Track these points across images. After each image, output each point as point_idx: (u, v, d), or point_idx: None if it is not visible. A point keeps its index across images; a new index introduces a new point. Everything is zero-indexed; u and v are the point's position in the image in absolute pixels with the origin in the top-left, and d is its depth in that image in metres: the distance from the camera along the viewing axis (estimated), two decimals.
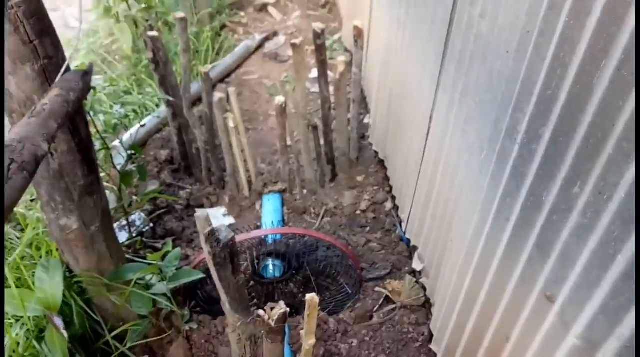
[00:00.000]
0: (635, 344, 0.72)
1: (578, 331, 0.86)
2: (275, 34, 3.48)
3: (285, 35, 3.47)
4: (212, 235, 0.88)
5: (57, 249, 1.51)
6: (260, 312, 1.00)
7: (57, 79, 1.14)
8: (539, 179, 0.94)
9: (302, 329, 1.01)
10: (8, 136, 0.97)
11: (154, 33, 1.80)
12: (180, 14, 1.75)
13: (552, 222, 0.92)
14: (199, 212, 0.87)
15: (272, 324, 0.99)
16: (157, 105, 2.64)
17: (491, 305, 1.17)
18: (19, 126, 1.01)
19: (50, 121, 1.05)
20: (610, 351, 0.78)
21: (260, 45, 3.32)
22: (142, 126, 2.23)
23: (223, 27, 3.48)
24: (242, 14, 3.72)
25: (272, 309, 1.01)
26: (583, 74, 0.79)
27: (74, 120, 1.24)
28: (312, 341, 1.04)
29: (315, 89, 2.78)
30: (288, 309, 1.00)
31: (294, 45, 1.76)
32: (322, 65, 1.91)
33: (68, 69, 1.18)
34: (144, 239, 2.03)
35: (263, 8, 3.81)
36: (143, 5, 2.77)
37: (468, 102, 1.29)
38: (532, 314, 1.02)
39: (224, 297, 1.00)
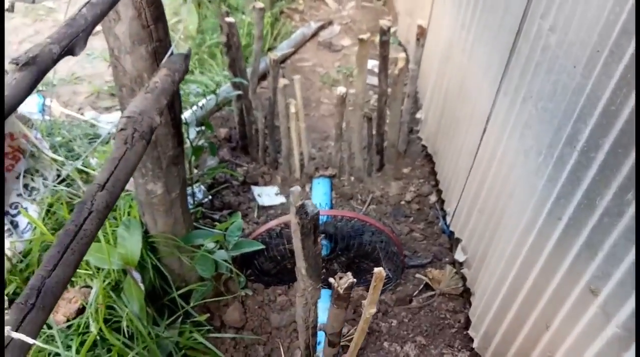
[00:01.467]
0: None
1: (620, 321, 0.96)
2: (330, 23, 3.59)
3: (340, 25, 3.57)
4: (302, 208, 1.02)
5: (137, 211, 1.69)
6: (331, 280, 1.14)
7: (164, 60, 1.30)
8: (595, 185, 1.04)
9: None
10: (129, 108, 1.13)
11: (231, 19, 1.94)
12: (260, 4, 1.88)
13: (603, 223, 1.02)
14: (293, 188, 1.02)
15: (341, 291, 1.13)
16: (218, 85, 2.80)
17: (534, 296, 1.28)
18: (138, 100, 1.17)
19: (161, 97, 1.21)
20: None
21: (315, 34, 3.44)
22: (201, 108, 2.39)
23: (281, 13, 3.61)
24: (300, 1, 3.84)
25: (340, 278, 1.15)
26: None
27: (172, 98, 1.40)
28: (373, 310, 1.17)
29: (368, 80, 2.88)
30: (355, 280, 1.14)
31: (361, 40, 1.87)
32: (384, 61, 2.02)
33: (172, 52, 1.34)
34: (203, 210, 2.20)
35: None
36: None
37: (529, 108, 1.38)
38: (575, 305, 1.12)
39: (301, 264, 1.15)
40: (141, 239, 1.64)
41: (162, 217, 1.64)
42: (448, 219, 2.11)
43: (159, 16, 1.25)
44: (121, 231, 1.65)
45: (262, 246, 1.79)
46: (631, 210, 0.94)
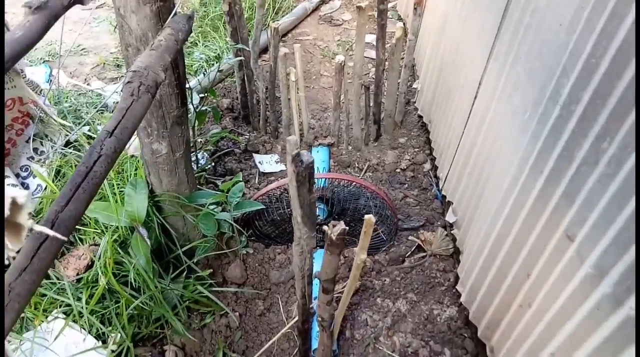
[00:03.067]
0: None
1: (591, 261, 1.04)
2: None
3: (341, 0, 3.59)
4: (298, 157, 1.09)
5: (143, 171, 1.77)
6: (325, 227, 1.22)
7: (167, 20, 1.36)
8: (574, 136, 1.10)
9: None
10: (135, 64, 1.19)
11: None
12: None
13: (580, 173, 1.09)
14: (290, 138, 1.08)
15: (334, 237, 1.21)
16: (219, 57, 2.86)
17: (516, 248, 1.36)
18: (143, 56, 1.23)
19: (165, 55, 1.27)
20: (616, 274, 0.96)
21: (316, 8, 3.46)
22: (219, 70, 2.45)
23: None
24: None
25: (334, 226, 1.23)
26: (625, 45, 0.94)
27: (175, 58, 1.46)
28: (364, 256, 1.26)
29: (367, 53, 2.93)
30: (347, 227, 1.22)
31: (359, 8, 1.91)
32: (382, 29, 2.07)
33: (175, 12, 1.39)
34: (207, 176, 2.28)
35: None
36: None
37: (517, 70, 1.43)
38: (553, 252, 1.20)
39: (297, 212, 1.22)
40: (147, 198, 1.72)
41: (167, 176, 1.71)
42: (440, 184, 2.18)
43: None
44: (128, 190, 1.72)
45: (262, 206, 1.86)
46: (606, 158, 1.01)
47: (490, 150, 1.60)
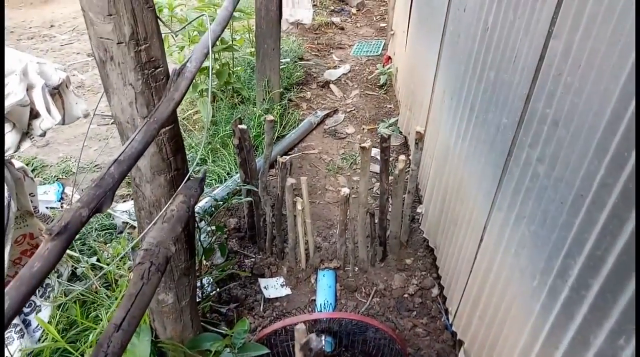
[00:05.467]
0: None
1: None
2: (335, 111, 3.79)
3: (344, 113, 3.77)
4: (307, 345, 1.07)
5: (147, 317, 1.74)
6: None
7: (180, 186, 1.41)
8: (587, 322, 1.08)
9: None
10: (147, 240, 1.22)
11: (243, 126, 2.10)
12: (270, 117, 2.04)
13: None
14: (298, 327, 1.08)
15: None
16: (229, 174, 2.94)
17: None
18: (155, 231, 1.26)
19: (177, 225, 1.30)
20: None
21: (321, 121, 3.63)
22: (216, 199, 2.51)
23: (289, 101, 3.83)
24: (307, 90, 4.09)
25: None
26: (630, 246, 0.95)
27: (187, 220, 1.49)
28: None
29: (372, 168, 3.01)
30: None
31: (363, 148, 2.00)
32: (385, 164, 2.14)
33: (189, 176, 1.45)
34: (211, 304, 2.24)
35: (325, 85, 4.17)
36: (222, 81, 3.14)
37: (522, 229, 1.45)
38: None
39: None
40: (150, 345, 1.67)
41: (172, 323, 1.68)
42: (450, 317, 2.13)
43: (178, 149, 1.38)
44: (132, 338, 1.69)
45: (266, 351, 1.81)
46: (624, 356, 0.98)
47: (499, 301, 1.58)
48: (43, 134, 1.57)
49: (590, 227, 1.07)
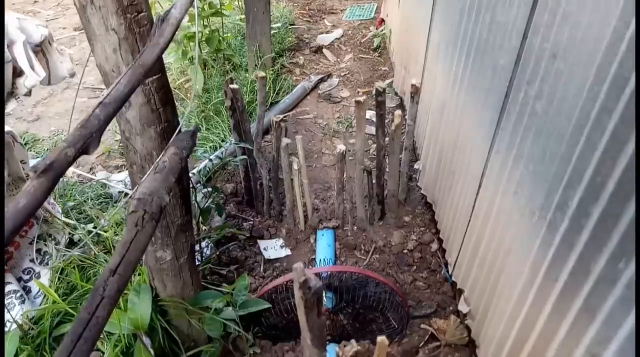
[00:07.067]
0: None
1: None
2: (329, 75, 3.73)
3: (338, 77, 3.71)
4: (306, 283, 1.06)
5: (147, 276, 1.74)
6: (336, 348, 1.17)
7: (172, 139, 1.38)
8: (587, 250, 1.08)
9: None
10: (139, 190, 1.20)
11: (235, 86, 2.05)
12: (262, 73, 1.99)
13: (599, 289, 1.05)
14: (296, 265, 1.06)
15: None
16: (223, 141, 2.90)
17: (537, 356, 1.30)
18: (148, 181, 1.23)
19: (169, 176, 1.28)
20: None
21: (315, 86, 3.57)
22: (210, 160, 2.48)
23: (282, 67, 3.76)
24: (300, 56, 4.01)
25: (345, 346, 1.18)
26: (630, 168, 0.93)
27: (180, 173, 1.47)
28: None
29: (367, 130, 2.98)
30: (359, 348, 1.17)
31: (357, 102, 1.96)
32: (381, 119, 2.11)
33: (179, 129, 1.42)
34: (211, 266, 2.24)
35: (318, 50, 4.09)
36: (213, 49, 3.07)
37: (520, 169, 1.43)
38: None
39: (306, 334, 1.18)
40: (151, 303, 1.67)
41: (171, 281, 1.68)
42: (450, 268, 2.14)
43: (167, 100, 1.34)
44: (132, 297, 1.69)
45: (268, 305, 1.82)
46: (624, 279, 0.98)
47: (499, 244, 1.57)
48: (29, 94, 1.52)
49: (590, 154, 1.05)
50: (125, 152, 1.40)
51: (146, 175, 1.26)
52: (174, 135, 1.38)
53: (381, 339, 1.13)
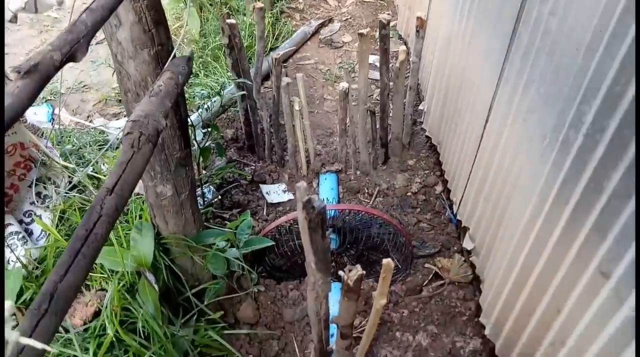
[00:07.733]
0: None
1: (632, 303, 0.96)
2: (330, 20, 3.59)
3: (340, 22, 3.57)
4: (309, 203, 1.03)
5: (148, 213, 1.72)
6: (341, 272, 1.15)
7: (167, 64, 1.32)
8: (601, 167, 1.04)
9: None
10: (134, 112, 1.15)
11: (232, 21, 1.96)
12: (260, 4, 1.90)
13: (612, 206, 1.02)
14: (299, 184, 1.03)
15: (351, 283, 1.14)
16: (222, 87, 2.82)
17: (544, 281, 1.28)
18: (143, 104, 1.18)
19: (165, 100, 1.22)
20: None
21: (316, 31, 3.44)
22: (206, 110, 2.42)
23: (281, 12, 3.62)
24: (300, 1, 3.85)
25: (350, 270, 1.16)
26: None
27: (177, 100, 1.41)
28: (384, 301, 1.18)
29: (370, 75, 2.89)
30: (364, 272, 1.15)
31: (361, 35, 1.87)
32: (385, 54, 2.02)
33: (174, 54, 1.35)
34: (214, 210, 2.22)
35: None
36: None
37: (531, 94, 1.37)
38: (586, 289, 1.12)
39: (310, 258, 1.16)
40: (153, 241, 1.66)
41: (173, 218, 1.66)
42: (454, 208, 2.11)
43: (159, 20, 1.27)
44: (134, 234, 1.67)
45: (271, 242, 1.80)
46: None
47: (507, 175, 1.54)
48: (14, 19, 1.45)
49: (610, 61, 0.99)
50: (119, 79, 1.35)
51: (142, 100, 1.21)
52: (169, 60, 1.31)
53: (387, 260, 1.11)
